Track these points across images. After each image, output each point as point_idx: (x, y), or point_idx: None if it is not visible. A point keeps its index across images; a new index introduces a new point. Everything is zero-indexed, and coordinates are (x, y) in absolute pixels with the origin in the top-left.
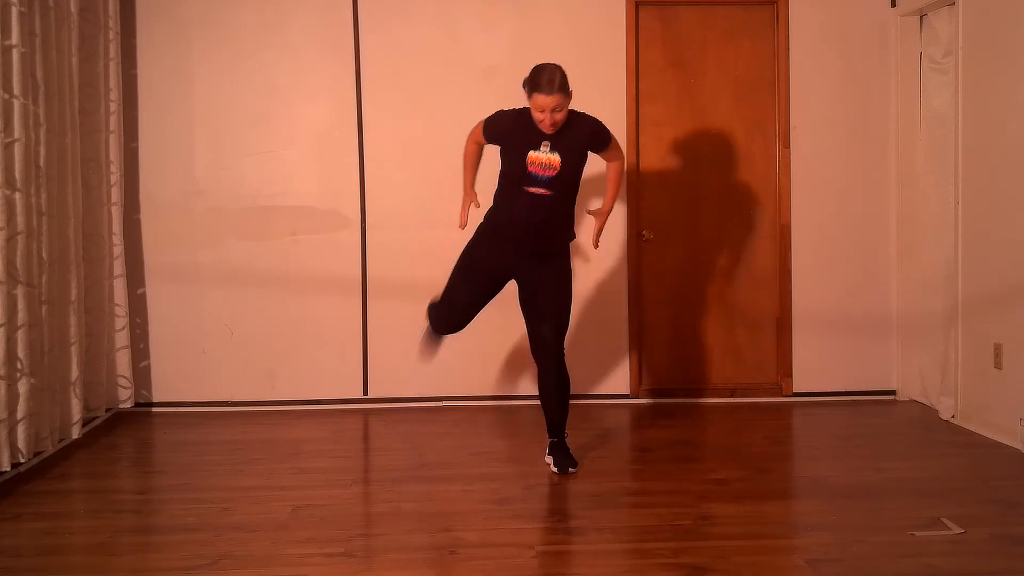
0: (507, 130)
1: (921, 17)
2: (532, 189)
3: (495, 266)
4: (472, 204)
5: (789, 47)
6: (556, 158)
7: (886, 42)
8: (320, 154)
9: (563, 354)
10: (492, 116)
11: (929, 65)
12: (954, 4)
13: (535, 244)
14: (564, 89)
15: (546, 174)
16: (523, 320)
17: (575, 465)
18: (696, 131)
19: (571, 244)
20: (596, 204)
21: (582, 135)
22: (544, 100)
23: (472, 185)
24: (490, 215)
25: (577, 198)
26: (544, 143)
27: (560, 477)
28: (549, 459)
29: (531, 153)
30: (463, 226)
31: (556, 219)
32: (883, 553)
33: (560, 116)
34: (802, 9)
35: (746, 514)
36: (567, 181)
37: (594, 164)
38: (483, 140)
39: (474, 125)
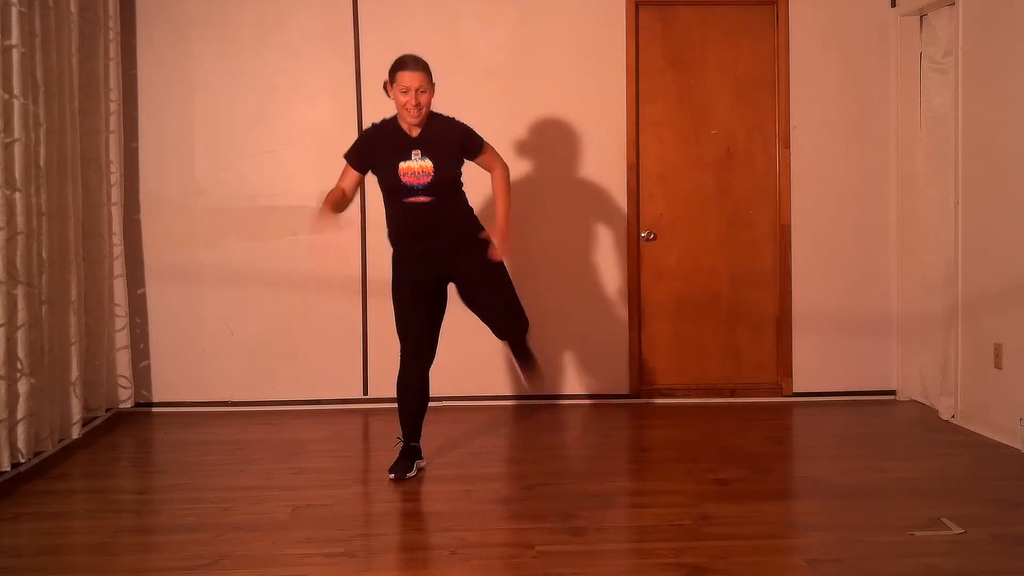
0: (372, 146)
1: (921, 17)
2: (412, 199)
3: (417, 282)
4: (322, 225)
5: (789, 47)
6: (428, 164)
7: (886, 42)
8: (320, 154)
9: (524, 318)
10: (355, 142)
11: (929, 65)
12: (954, 4)
13: (436, 248)
14: (428, 70)
15: (421, 182)
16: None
17: (536, 365)
18: (696, 131)
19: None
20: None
21: (451, 138)
22: (408, 76)
23: (330, 208)
24: (389, 238)
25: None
26: (414, 151)
27: (560, 478)
28: (516, 365)
29: (402, 164)
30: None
31: (446, 219)
32: (883, 553)
33: (425, 99)
34: (802, 9)
35: (746, 514)
36: (445, 184)
37: (594, 163)
38: (354, 176)
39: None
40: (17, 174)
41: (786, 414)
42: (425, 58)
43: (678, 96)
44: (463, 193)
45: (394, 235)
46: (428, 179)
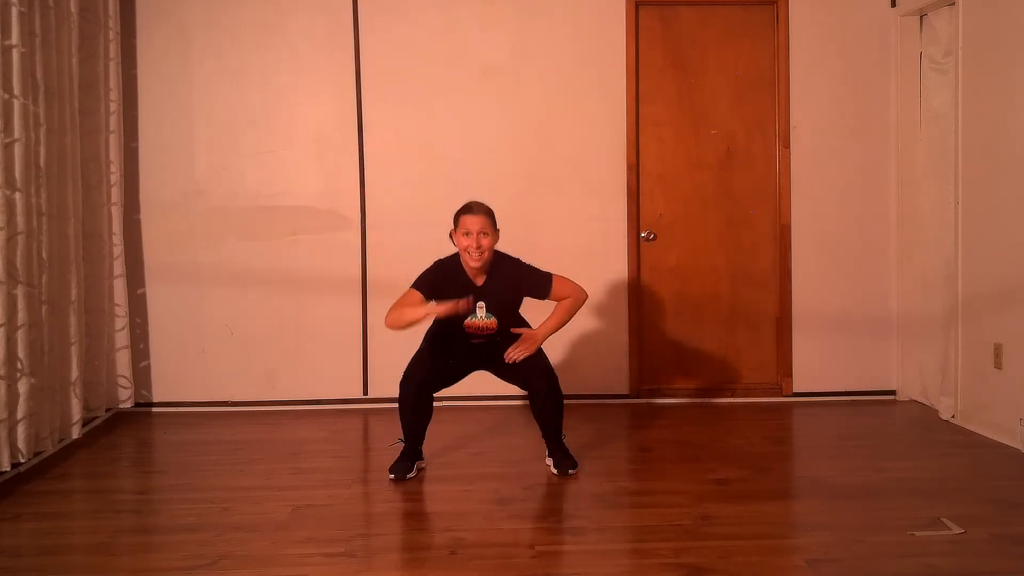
0: (442, 286)
1: (921, 17)
2: (473, 342)
3: (453, 355)
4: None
5: (789, 47)
6: (492, 321)
7: (886, 42)
8: (320, 154)
9: (556, 378)
10: (423, 276)
11: (929, 65)
12: (954, 4)
13: (487, 358)
14: (491, 215)
15: (484, 333)
16: None
17: (575, 466)
18: (696, 131)
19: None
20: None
21: (513, 287)
22: (470, 220)
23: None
24: (434, 334)
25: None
26: (479, 306)
27: (560, 477)
28: (549, 461)
29: (468, 319)
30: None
31: (503, 345)
32: (883, 553)
33: (487, 242)
34: (802, 9)
35: (746, 514)
36: (505, 328)
37: (594, 163)
38: (418, 296)
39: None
40: (17, 174)
41: (786, 414)
42: (425, 58)
43: (678, 96)
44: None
45: (441, 345)
46: (491, 332)
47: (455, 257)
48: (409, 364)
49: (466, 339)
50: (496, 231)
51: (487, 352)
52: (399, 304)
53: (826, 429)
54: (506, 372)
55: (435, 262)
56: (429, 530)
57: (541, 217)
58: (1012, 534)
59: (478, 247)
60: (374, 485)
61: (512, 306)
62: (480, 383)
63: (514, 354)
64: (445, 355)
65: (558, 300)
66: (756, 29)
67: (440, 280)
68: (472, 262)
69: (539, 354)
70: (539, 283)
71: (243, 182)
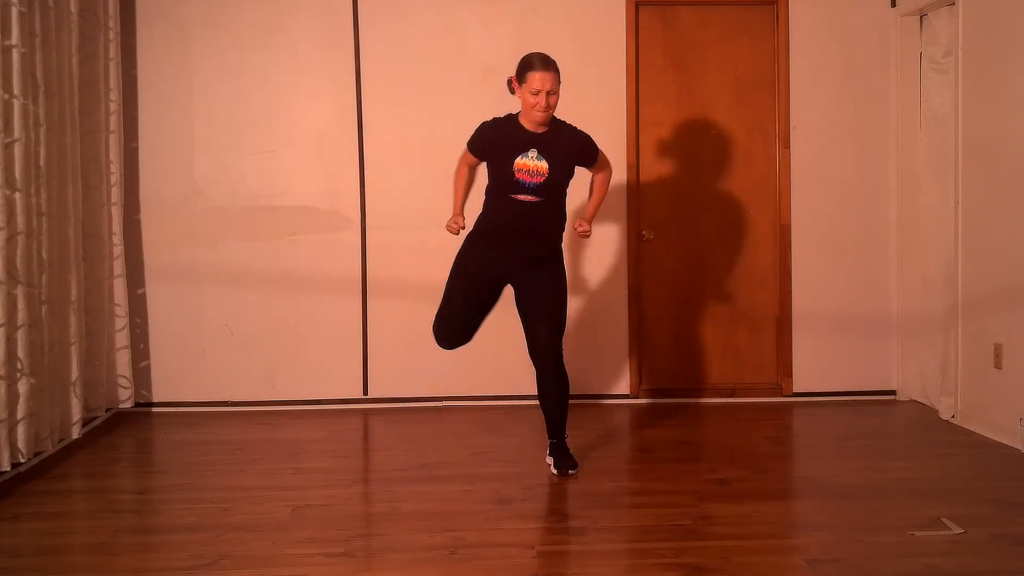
0: (493, 138)
1: (921, 17)
2: (520, 197)
3: (489, 274)
4: (458, 224)
5: (789, 47)
6: (544, 164)
7: (886, 42)
8: (320, 154)
9: (561, 355)
10: (476, 132)
11: (929, 65)
12: (954, 4)
13: (527, 250)
14: (558, 71)
15: (534, 180)
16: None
17: (575, 466)
18: (696, 131)
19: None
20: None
21: (571, 146)
22: (540, 76)
23: (462, 207)
24: (479, 223)
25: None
26: (531, 149)
27: (560, 477)
28: (550, 460)
29: (518, 159)
30: (456, 231)
31: (546, 225)
32: (883, 553)
33: (554, 100)
34: (802, 9)
35: (746, 514)
36: (554, 188)
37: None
38: (473, 160)
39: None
40: (17, 174)
41: (786, 414)
42: (425, 58)
43: (678, 96)
44: (565, 204)
45: (491, 224)
46: (541, 180)
47: (511, 116)
48: (437, 316)
49: (515, 188)
50: (559, 81)
51: (528, 231)
52: (461, 160)
53: (826, 429)
54: (527, 300)
55: (488, 121)
56: (429, 530)
57: None
58: (1012, 534)
59: (546, 106)
60: (374, 485)
61: (564, 160)
62: (480, 383)
63: (582, 228)
64: (475, 278)
65: (597, 171)
66: (756, 29)
67: (491, 132)
68: (538, 119)
69: (561, 301)
70: (592, 149)
71: (243, 182)
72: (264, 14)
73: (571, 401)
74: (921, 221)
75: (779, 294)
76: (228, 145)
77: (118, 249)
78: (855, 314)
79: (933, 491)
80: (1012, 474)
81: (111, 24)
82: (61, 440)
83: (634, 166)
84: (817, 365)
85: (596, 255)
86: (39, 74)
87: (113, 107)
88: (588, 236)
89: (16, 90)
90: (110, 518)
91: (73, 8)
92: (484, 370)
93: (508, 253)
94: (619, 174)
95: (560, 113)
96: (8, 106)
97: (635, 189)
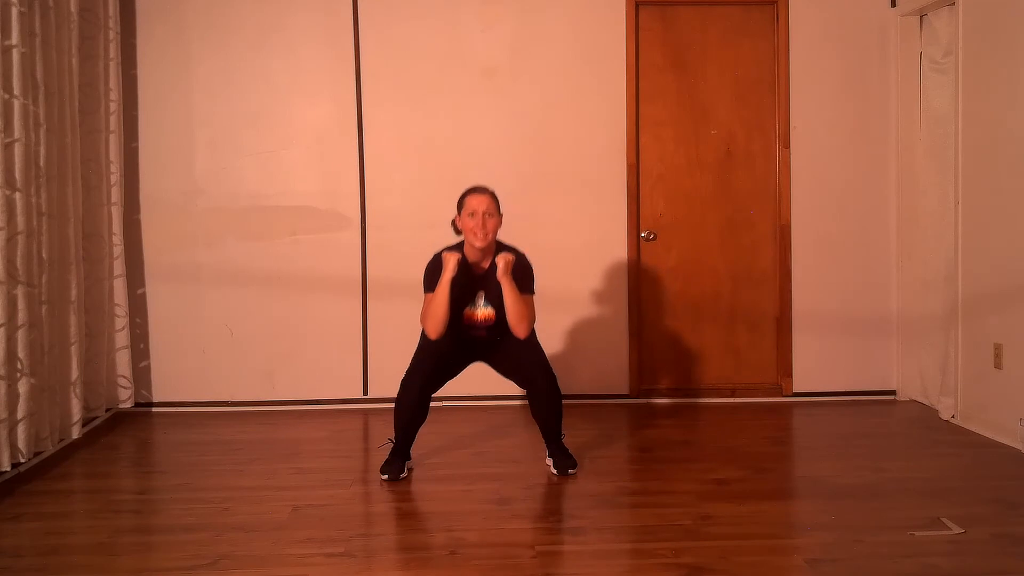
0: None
1: (921, 17)
2: (472, 334)
3: (452, 361)
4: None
5: (789, 47)
6: (491, 311)
7: (886, 42)
8: (320, 154)
9: (554, 376)
10: (427, 273)
11: (929, 65)
12: (954, 4)
13: (485, 351)
14: (495, 198)
15: (483, 324)
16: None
17: (575, 466)
18: (696, 131)
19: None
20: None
21: (513, 275)
22: (476, 200)
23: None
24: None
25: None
26: (479, 294)
27: (560, 477)
28: (549, 461)
29: (467, 308)
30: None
31: (499, 340)
32: (883, 553)
33: (492, 224)
34: (802, 9)
35: (746, 514)
36: (503, 321)
37: (594, 163)
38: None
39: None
40: (17, 174)
41: (786, 414)
42: (425, 58)
43: (678, 96)
44: None
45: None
46: (490, 324)
47: (457, 245)
48: (410, 366)
49: (465, 331)
50: (500, 215)
51: (485, 346)
52: (424, 312)
53: (826, 429)
54: (506, 367)
55: (435, 254)
56: (429, 530)
57: (541, 217)
58: (1012, 534)
59: (483, 228)
60: (374, 485)
61: None
62: (480, 383)
63: (501, 265)
64: (444, 349)
65: (517, 321)
66: (756, 29)
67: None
68: (477, 242)
69: (538, 352)
70: (527, 280)
71: (243, 182)
72: (264, 14)
73: (571, 401)
74: (921, 221)
75: (779, 294)
76: (228, 145)
77: (118, 249)
78: (855, 314)
79: (933, 491)
80: (1012, 474)
81: (111, 24)
82: (61, 440)
83: (634, 166)
84: (817, 365)
85: (596, 255)
86: (39, 74)
87: (113, 107)
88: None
89: (16, 90)
90: (110, 518)
91: (73, 8)
92: (484, 370)
93: (470, 354)
94: (619, 174)
95: (560, 112)
96: (8, 106)
97: (635, 189)
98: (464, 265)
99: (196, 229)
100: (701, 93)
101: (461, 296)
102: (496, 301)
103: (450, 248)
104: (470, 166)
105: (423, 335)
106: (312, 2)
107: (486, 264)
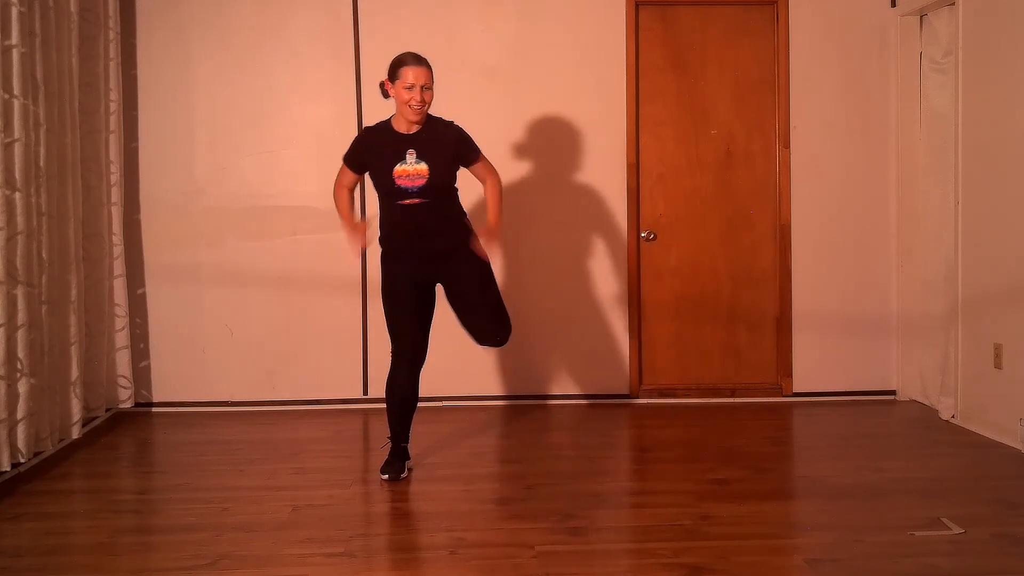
0: (368, 147)
1: (921, 17)
2: (405, 201)
3: (409, 282)
4: (361, 233)
5: (789, 47)
6: (423, 166)
7: (886, 42)
8: (320, 154)
9: (509, 325)
10: (352, 144)
11: (929, 65)
12: (954, 4)
13: (427, 248)
14: (430, 68)
15: (416, 184)
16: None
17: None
18: (696, 131)
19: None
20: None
21: (447, 141)
22: (413, 72)
23: (351, 216)
24: (381, 241)
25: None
26: (409, 152)
27: (560, 478)
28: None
29: (397, 167)
30: (361, 251)
31: (438, 223)
32: (883, 553)
33: (429, 96)
34: (802, 9)
35: (746, 514)
36: (440, 187)
37: (594, 163)
38: (351, 177)
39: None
40: (17, 174)
41: (786, 414)
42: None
43: (678, 96)
44: (457, 197)
45: (387, 236)
46: (423, 182)
47: (384, 121)
48: (392, 347)
49: (400, 195)
50: (432, 78)
51: (428, 228)
52: (337, 183)
53: (826, 429)
54: (460, 305)
55: (361, 130)
56: (429, 530)
57: (541, 217)
58: (1012, 534)
59: (420, 100)
60: (374, 485)
61: (443, 158)
62: (480, 383)
63: (487, 251)
64: (403, 288)
65: (479, 177)
66: (756, 29)
67: (368, 140)
68: (412, 116)
69: (499, 313)
70: (468, 145)
71: (243, 182)
72: (264, 14)
73: (571, 401)
74: (921, 221)
75: (779, 294)
76: (228, 145)
77: (118, 249)
78: (855, 314)
79: (933, 491)
80: (1012, 474)
81: (111, 24)
82: (61, 440)
83: (634, 166)
84: (817, 365)
85: (596, 255)
86: (39, 74)
87: (113, 107)
88: (495, 241)
89: (16, 90)
90: (110, 518)
91: (73, 8)
92: (484, 370)
93: (412, 257)
94: (619, 174)
95: (560, 112)
96: (8, 106)
97: (635, 189)
98: (388, 131)
99: (196, 229)
100: (701, 93)
101: (390, 156)
102: (428, 155)
103: (371, 128)
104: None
105: (383, 299)
106: (312, 3)
107: (414, 129)
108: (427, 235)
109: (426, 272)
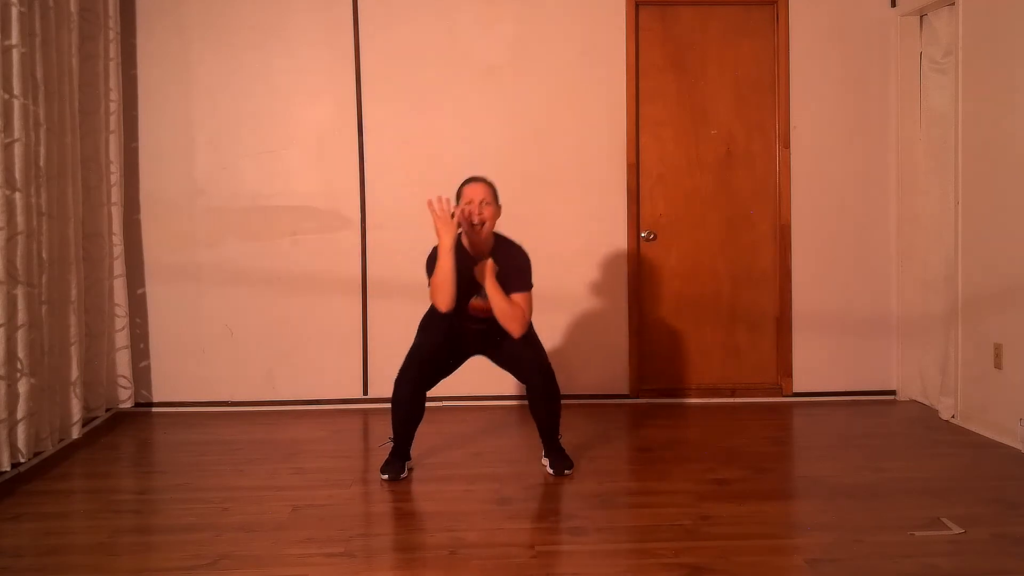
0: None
1: (921, 17)
2: (473, 326)
3: (451, 346)
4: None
5: (789, 47)
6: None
7: (886, 42)
8: (320, 154)
9: (553, 374)
10: (430, 261)
11: (929, 65)
12: (954, 4)
13: (480, 345)
14: (493, 188)
15: (486, 316)
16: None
17: (571, 466)
18: (696, 131)
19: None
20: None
21: (511, 269)
22: (472, 189)
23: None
24: (435, 317)
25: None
26: (482, 287)
27: (557, 477)
28: (545, 461)
29: (473, 299)
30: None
31: (499, 333)
32: (883, 553)
33: (489, 211)
34: (802, 9)
35: (746, 514)
36: None
37: (594, 163)
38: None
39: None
40: (17, 174)
41: (786, 414)
42: (425, 58)
43: (678, 96)
44: None
45: (445, 322)
46: (491, 314)
47: (457, 238)
48: (404, 362)
49: (466, 321)
50: (498, 206)
51: (484, 337)
52: (431, 289)
53: (826, 429)
54: (504, 361)
55: (434, 247)
56: (429, 530)
57: (541, 217)
58: (1012, 534)
59: (479, 217)
60: (374, 485)
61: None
62: (479, 383)
63: (485, 268)
64: (441, 342)
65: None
66: (756, 29)
67: None
68: (473, 223)
69: (537, 350)
70: (524, 276)
71: (243, 182)
72: (264, 14)
73: (571, 401)
74: (921, 221)
75: (779, 294)
76: (228, 145)
77: (118, 249)
78: (855, 314)
79: (933, 491)
80: (1012, 474)
81: (111, 24)
82: (61, 440)
83: (634, 166)
84: (817, 365)
85: (596, 255)
86: (39, 74)
87: (113, 107)
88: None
89: (16, 90)
90: (110, 518)
91: (73, 8)
92: (484, 370)
93: (466, 347)
94: (619, 174)
95: (560, 112)
96: (8, 106)
97: (635, 189)
98: (465, 255)
99: (196, 229)
100: (701, 93)
101: (463, 287)
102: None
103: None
104: (470, 166)
105: (419, 332)
106: (312, 2)
107: (484, 249)
108: (485, 342)
109: (471, 349)
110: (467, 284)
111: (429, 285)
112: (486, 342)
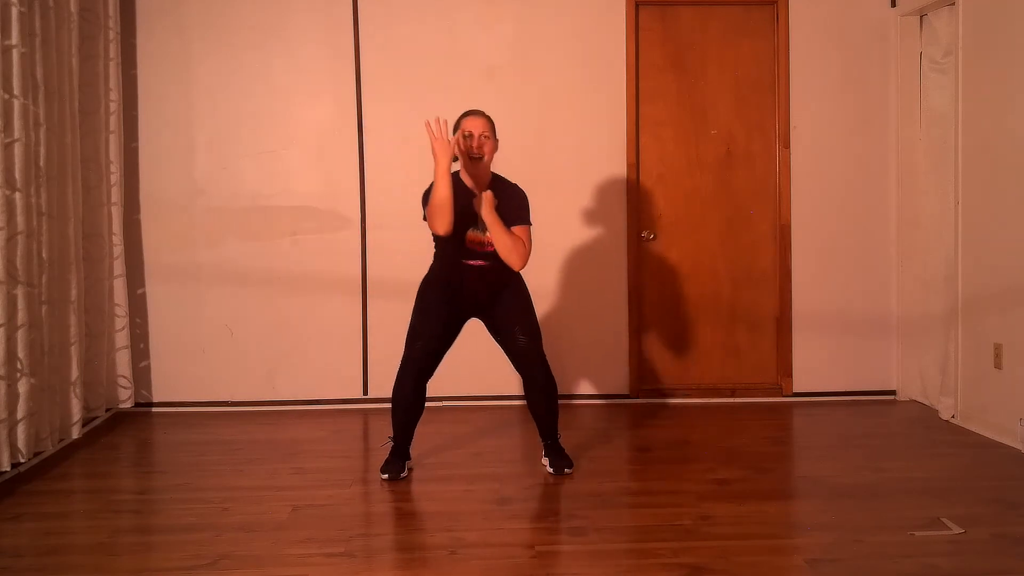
0: None
1: (921, 17)
2: (471, 262)
3: (449, 309)
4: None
5: (789, 47)
6: (491, 235)
7: (886, 42)
8: (320, 154)
9: (545, 359)
10: (427, 193)
11: (929, 65)
12: (954, 4)
13: (482, 298)
14: (492, 122)
15: (484, 249)
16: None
17: (571, 465)
18: (696, 131)
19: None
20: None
21: (511, 205)
22: (472, 122)
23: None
24: (432, 273)
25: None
26: (480, 219)
27: (559, 477)
28: (545, 461)
29: (469, 232)
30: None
31: (498, 282)
32: (883, 553)
33: (489, 146)
34: (802, 9)
35: (746, 514)
36: None
37: (594, 163)
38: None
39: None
40: (17, 174)
41: (786, 414)
42: (425, 58)
43: (678, 96)
44: None
45: (441, 279)
46: (491, 248)
47: (455, 173)
48: (404, 352)
49: (464, 258)
50: (496, 140)
51: (482, 280)
52: (429, 214)
53: (826, 429)
54: (498, 325)
55: (430, 183)
56: (429, 530)
57: (541, 217)
58: (1012, 534)
59: (478, 148)
60: (374, 485)
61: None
62: (479, 383)
63: (484, 202)
64: (437, 325)
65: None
66: (756, 29)
67: None
68: (472, 154)
69: (535, 338)
70: (524, 209)
71: (243, 182)
72: (264, 14)
73: (572, 401)
74: (921, 221)
75: (779, 294)
76: (228, 145)
77: (118, 249)
78: (855, 314)
79: (933, 491)
80: (1012, 474)
81: (111, 24)
82: (61, 440)
83: (634, 166)
84: (817, 365)
85: (596, 255)
86: (39, 74)
87: (113, 107)
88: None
89: (16, 90)
90: (110, 518)
91: (73, 8)
92: (483, 370)
93: (464, 301)
94: (619, 174)
95: (560, 112)
96: (8, 106)
97: (635, 189)
98: (463, 189)
99: (196, 229)
100: (701, 93)
101: (462, 219)
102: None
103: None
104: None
105: (417, 299)
106: (312, 2)
107: (483, 189)
108: (484, 290)
109: (472, 312)
110: (466, 216)
111: (425, 217)
112: (486, 291)
